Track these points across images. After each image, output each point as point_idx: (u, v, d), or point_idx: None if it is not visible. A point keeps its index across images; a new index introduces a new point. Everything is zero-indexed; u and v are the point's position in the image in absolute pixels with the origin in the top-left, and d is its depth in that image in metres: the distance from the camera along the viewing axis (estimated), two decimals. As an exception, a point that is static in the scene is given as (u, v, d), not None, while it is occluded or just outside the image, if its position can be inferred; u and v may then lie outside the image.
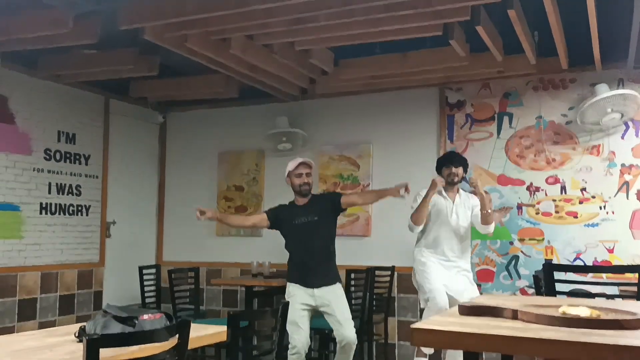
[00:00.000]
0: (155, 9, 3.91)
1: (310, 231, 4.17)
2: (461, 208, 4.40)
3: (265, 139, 5.89)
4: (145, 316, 2.44)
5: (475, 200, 4.37)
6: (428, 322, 1.46)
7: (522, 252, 5.09)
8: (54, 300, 5.40)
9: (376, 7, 3.75)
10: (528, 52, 4.55)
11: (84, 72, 5.20)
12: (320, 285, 4.14)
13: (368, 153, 5.74)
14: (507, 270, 5.12)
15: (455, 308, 1.61)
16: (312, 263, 4.16)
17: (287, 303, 2.64)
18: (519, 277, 5.08)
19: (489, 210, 4.23)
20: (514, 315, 1.50)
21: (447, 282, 4.30)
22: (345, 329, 4.12)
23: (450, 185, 4.40)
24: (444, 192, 4.41)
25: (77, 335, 2.32)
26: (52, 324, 5.19)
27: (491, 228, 4.33)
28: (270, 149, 6.01)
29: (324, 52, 4.89)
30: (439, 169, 4.45)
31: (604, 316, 1.49)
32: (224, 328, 2.49)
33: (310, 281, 4.15)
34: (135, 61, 4.87)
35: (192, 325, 2.67)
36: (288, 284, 4.26)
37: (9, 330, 4.83)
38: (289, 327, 4.03)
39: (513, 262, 5.11)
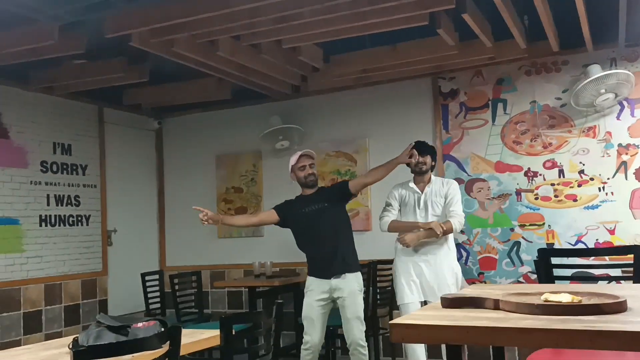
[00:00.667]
0: (141, 15, 3.91)
1: (321, 217, 4.11)
2: (432, 197, 4.19)
3: (262, 140, 5.88)
4: (140, 324, 2.44)
5: (451, 187, 4.18)
6: (407, 317, 1.45)
7: (523, 238, 5.06)
8: (59, 312, 5.42)
9: (359, 0, 3.73)
10: (517, 37, 4.51)
11: (76, 83, 5.21)
12: (337, 274, 4.04)
13: (364, 147, 5.72)
14: (509, 257, 5.10)
15: (439, 302, 1.60)
16: (326, 251, 4.07)
17: (282, 304, 2.63)
18: (522, 263, 5.05)
19: (439, 234, 4.00)
20: (496, 305, 1.48)
21: (420, 291, 4.13)
22: (352, 327, 4.01)
23: (419, 175, 4.24)
24: (411, 184, 4.27)
25: (70, 347, 2.32)
26: (58, 335, 5.21)
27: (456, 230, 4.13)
28: (267, 149, 6.00)
29: (313, 48, 4.87)
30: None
31: (586, 301, 1.47)
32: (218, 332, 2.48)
33: (326, 271, 4.06)
34: (125, 69, 4.88)
35: (188, 330, 2.68)
36: (308, 277, 4.20)
37: (16, 344, 4.85)
38: (304, 322, 4.07)
39: (515, 248, 5.08)
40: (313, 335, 4.03)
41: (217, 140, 6.35)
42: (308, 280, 4.16)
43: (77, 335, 2.37)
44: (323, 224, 4.11)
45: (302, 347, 4.05)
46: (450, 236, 4.22)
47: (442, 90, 5.43)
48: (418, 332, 1.30)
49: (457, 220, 4.10)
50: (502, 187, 5.17)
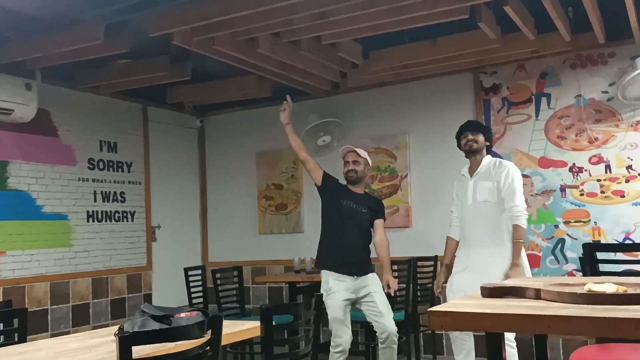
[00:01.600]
0: (182, 14, 3.98)
1: (356, 219, 4.13)
2: (480, 181, 3.70)
3: (303, 138, 5.87)
4: (182, 314, 2.50)
5: (503, 170, 3.63)
6: (446, 305, 1.44)
7: (568, 234, 4.95)
8: (105, 305, 5.57)
9: (398, -6, 3.72)
10: (562, 29, 4.41)
11: (121, 82, 5.34)
12: (361, 273, 4.08)
13: (404, 144, 5.69)
14: (553, 254, 4.99)
15: (479, 291, 1.58)
16: (353, 250, 4.09)
17: (321, 296, 2.64)
18: (566, 260, 4.94)
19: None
20: (537, 294, 1.46)
21: (475, 282, 3.60)
22: (386, 319, 4.05)
23: (471, 154, 3.78)
24: (463, 170, 3.87)
25: (116, 334, 2.39)
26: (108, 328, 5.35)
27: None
28: (309, 148, 5.97)
29: (352, 44, 4.88)
30: (458, 143, 3.88)
31: (632, 292, 1.43)
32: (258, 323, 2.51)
33: (350, 269, 4.05)
34: (168, 68, 4.98)
35: (230, 321, 2.72)
36: (325, 273, 4.10)
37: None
38: (333, 325, 4.01)
39: (559, 245, 4.97)
40: (345, 336, 3.99)
41: (257, 137, 6.41)
42: (330, 281, 4.06)
43: (123, 323, 2.44)
44: (356, 226, 4.14)
45: (333, 350, 3.98)
46: (508, 239, 3.61)
47: (484, 85, 5.36)
48: (457, 320, 1.29)
49: (523, 220, 3.55)
50: (546, 183, 5.06)
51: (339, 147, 5.83)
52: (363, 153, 4.24)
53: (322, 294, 2.71)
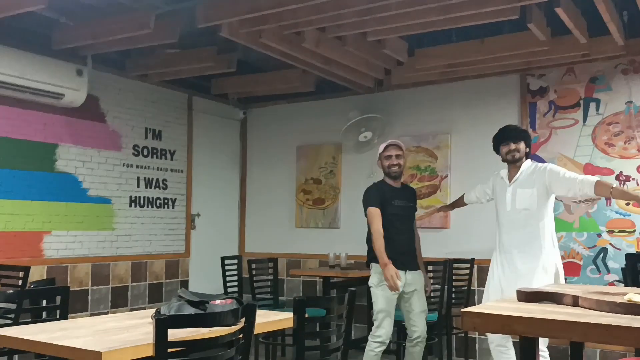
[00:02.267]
0: (231, 6, 4.03)
1: (407, 215, 4.21)
2: (519, 188, 3.67)
3: (344, 134, 5.89)
4: (217, 301, 2.55)
5: (546, 173, 3.61)
6: (480, 306, 1.43)
7: (610, 244, 4.82)
8: (143, 289, 5.70)
9: (448, -8, 3.68)
10: (615, 33, 4.30)
11: (168, 71, 5.44)
12: (412, 268, 4.12)
13: (446, 144, 5.63)
14: (594, 263, 4.88)
15: (514, 295, 1.56)
16: (406, 246, 4.15)
17: (354, 292, 2.65)
18: (608, 270, 4.81)
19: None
20: (575, 301, 1.43)
21: (501, 293, 3.61)
22: (423, 319, 4.08)
23: (512, 163, 3.75)
24: (503, 172, 3.84)
25: (153, 317, 2.45)
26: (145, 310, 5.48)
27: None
28: (351, 144, 5.99)
29: (398, 41, 4.85)
30: (496, 149, 3.83)
31: (674, 304, 1.39)
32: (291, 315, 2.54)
33: (403, 263, 4.05)
34: (215, 59, 5.04)
35: (263, 311, 2.75)
36: (379, 267, 3.98)
37: (103, 316, 5.15)
38: (379, 315, 4.01)
39: (601, 255, 4.85)
40: (387, 328, 4.00)
41: (298, 131, 6.45)
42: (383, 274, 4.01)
43: (160, 306, 2.50)
44: (408, 221, 4.22)
45: (374, 340, 3.99)
46: (547, 231, 3.64)
47: (531, 88, 5.25)
48: (490, 322, 1.28)
49: (590, 179, 3.44)
50: (590, 190, 4.93)
51: (380, 143, 5.83)
52: (403, 146, 4.28)
53: (355, 290, 2.71)
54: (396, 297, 4.05)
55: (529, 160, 3.80)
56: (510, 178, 3.78)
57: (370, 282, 4.15)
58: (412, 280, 4.10)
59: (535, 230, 3.61)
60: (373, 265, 4.12)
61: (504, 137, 3.78)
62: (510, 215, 3.70)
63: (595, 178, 3.46)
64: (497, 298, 3.49)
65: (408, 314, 4.11)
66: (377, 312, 4.05)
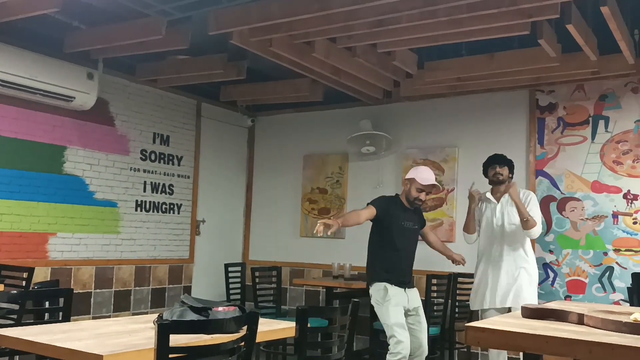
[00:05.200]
0: (242, 14, 4.05)
1: (412, 236, 4.29)
2: (508, 207, 4.32)
3: (349, 142, 5.91)
4: (220, 308, 2.54)
5: (527, 197, 4.30)
6: (485, 322, 1.42)
7: (617, 263, 4.79)
8: (146, 293, 5.70)
9: (459, 6, 3.69)
10: (625, 51, 4.29)
11: (178, 77, 5.47)
12: (411, 286, 4.22)
13: (453, 157, 5.62)
14: (600, 282, 4.84)
15: (519, 311, 1.55)
16: (407, 265, 4.23)
17: (357, 302, 2.64)
18: (613, 289, 4.78)
19: (526, 218, 4.14)
20: (580, 319, 1.42)
21: (495, 298, 4.28)
22: (425, 336, 4.13)
23: (496, 185, 4.40)
24: (488, 194, 4.43)
25: (155, 322, 2.45)
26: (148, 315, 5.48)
27: (534, 232, 4.21)
28: (353, 152, 6.03)
29: (407, 54, 4.86)
30: (485, 172, 4.48)
31: (681, 325, 1.38)
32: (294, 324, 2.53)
33: (402, 282, 4.14)
34: (224, 66, 5.06)
35: (265, 320, 2.75)
36: (381, 284, 4.11)
37: (105, 319, 5.14)
38: (395, 329, 3.95)
39: (607, 273, 4.82)
40: (406, 341, 3.93)
41: (305, 140, 6.45)
42: (387, 290, 4.07)
43: (163, 312, 2.50)
44: (411, 244, 4.29)
45: (391, 357, 3.89)
46: (528, 242, 4.33)
47: (540, 104, 5.25)
48: (494, 337, 1.27)
49: (536, 220, 4.19)
50: (597, 208, 4.92)
51: (383, 157, 5.84)
52: (440, 189, 4.61)
53: (358, 301, 2.70)
54: (403, 311, 4.06)
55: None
56: (496, 199, 4.38)
57: (374, 301, 4.13)
58: (412, 297, 4.17)
59: (522, 241, 4.29)
60: (374, 284, 4.15)
61: (490, 162, 4.45)
62: (501, 230, 4.31)
63: (534, 219, 4.19)
64: (494, 299, 4.25)
65: (413, 329, 4.12)
66: (392, 325, 3.97)
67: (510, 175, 4.42)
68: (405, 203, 4.24)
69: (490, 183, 4.45)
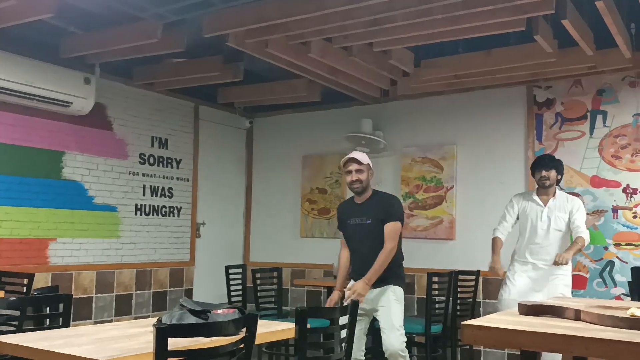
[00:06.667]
0: (237, 16, 4.05)
1: (361, 235, 3.90)
2: (556, 212, 4.29)
3: (346, 139, 5.90)
4: (220, 311, 2.54)
5: (575, 204, 4.28)
6: (481, 319, 1.41)
7: (617, 257, 4.78)
8: (148, 297, 5.70)
9: (454, 4, 3.69)
10: (622, 46, 4.29)
11: (175, 80, 5.46)
12: (377, 285, 3.80)
13: (452, 154, 5.62)
14: (601, 276, 4.84)
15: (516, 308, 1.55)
16: (362, 265, 3.85)
17: (357, 302, 2.64)
18: (615, 284, 4.77)
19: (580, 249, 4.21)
20: (577, 315, 1.42)
21: (532, 295, 4.19)
22: (389, 335, 3.75)
23: (543, 188, 4.35)
24: (535, 196, 4.38)
25: (154, 325, 2.45)
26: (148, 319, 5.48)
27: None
28: (347, 145, 5.99)
29: (404, 52, 4.85)
30: (533, 174, 4.44)
31: (678, 319, 1.38)
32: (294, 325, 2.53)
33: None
34: (221, 68, 5.06)
35: (265, 321, 2.74)
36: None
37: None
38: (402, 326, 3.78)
39: (608, 268, 4.81)
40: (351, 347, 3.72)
41: (304, 140, 6.45)
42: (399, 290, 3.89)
43: (162, 315, 2.49)
44: (361, 243, 3.91)
45: (405, 347, 3.80)
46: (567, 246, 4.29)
47: (537, 100, 5.24)
48: (490, 335, 1.27)
49: (586, 236, 4.17)
50: (597, 202, 4.91)
51: (381, 156, 5.83)
52: (364, 158, 3.90)
53: (358, 301, 2.69)
54: (361, 313, 3.60)
55: (557, 189, 4.43)
56: (543, 202, 4.35)
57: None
58: (379, 296, 3.82)
59: (564, 246, 4.24)
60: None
61: (537, 165, 4.38)
62: (546, 234, 4.28)
63: (585, 235, 4.16)
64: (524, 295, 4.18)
65: (381, 331, 3.84)
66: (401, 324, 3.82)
67: (559, 177, 4.38)
68: (357, 198, 3.97)
69: (538, 185, 4.38)
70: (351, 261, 4.01)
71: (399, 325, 3.79)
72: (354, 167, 3.84)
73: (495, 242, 4.45)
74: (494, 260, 4.34)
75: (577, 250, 4.17)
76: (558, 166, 4.36)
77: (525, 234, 4.38)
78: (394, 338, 3.73)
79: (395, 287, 3.86)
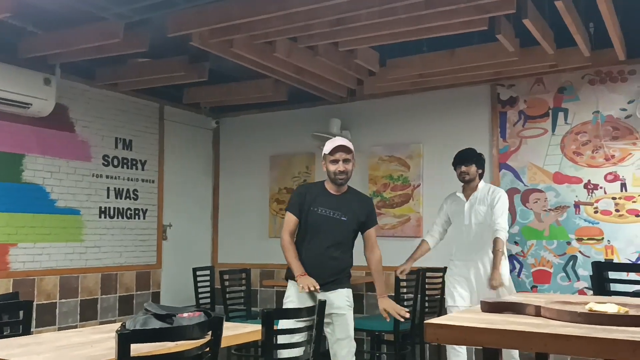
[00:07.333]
0: (201, 15, 4.00)
1: (331, 229, 3.46)
2: (476, 205, 4.31)
3: (313, 137, 5.88)
4: (185, 314, 2.50)
5: (496, 195, 4.25)
6: (442, 318, 1.42)
7: (580, 252, 4.89)
8: (113, 301, 5.60)
9: (417, 3, 3.71)
10: (581, 45, 4.37)
11: (139, 80, 5.37)
12: (330, 288, 3.41)
13: (418, 153, 5.66)
14: (564, 271, 4.93)
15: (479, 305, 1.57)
16: (323, 263, 3.44)
17: (324, 302, 2.63)
18: (578, 278, 4.88)
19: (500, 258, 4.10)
20: (537, 312, 1.44)
21: (471, 290, 4.28)
22: (343, 349, 3.38)
23: (466, 183, 4.39)
24: (458, 193, 4.43)
25: (117, 331, 2.40)
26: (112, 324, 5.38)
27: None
28: (320, 151, 6.00)
29: (369, 52, 4.87)
30: (455, 169, 4.44)
31: (633, 313, 1.41)
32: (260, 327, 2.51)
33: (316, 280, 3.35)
34: (186, 68, 5.00)
35: (232, 323, 2.72)
36: (291, 282, 3.49)
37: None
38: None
39: (571, 262, 4.91)
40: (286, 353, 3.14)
41: (271, 140, 6.43)
42: (290, 289, 3.53)
43: (126, 320, 2.45)
44: (330, 236, 3.48)
45: None
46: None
47: (501, 98, 5.32)
48: (452, 333, 1.28)
49: (503, 234, 4.14)
50: (559, 198, 5.01)
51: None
52: (351, 146, 3.51)
53: (325, 300, 2.69)
54: (299, 322, 3.13)
55: (482, 181, 4.41)
56: (466, 197, 4.38)
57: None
58: (330, 301, 3.31)
59: (489, 240, 4.19)
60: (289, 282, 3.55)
61: (456, 161, 4.40)
62: (469, 228, 4.31)
63: (499, 234, 4.11)
64: (462, 299, 4.29)
65: (329, 340, 3.44)
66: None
67: (480, 171, 4.38)
68: (332, 188, 3.53)
69: (460, 181, 4.42)
70: (302, 254, 3.48)
71: (352, 334, 3.46)
72: (342, 156, 3.43)
73: (418, 246, 4.59)
74: (403, 264, 4.47)
75: (499, 259, 4.06)
76: (478, 160, 4.36)
77: (454, 231, 4.45)
78: (351, 349, 3.39)
79: (349, 289, 3.54)
